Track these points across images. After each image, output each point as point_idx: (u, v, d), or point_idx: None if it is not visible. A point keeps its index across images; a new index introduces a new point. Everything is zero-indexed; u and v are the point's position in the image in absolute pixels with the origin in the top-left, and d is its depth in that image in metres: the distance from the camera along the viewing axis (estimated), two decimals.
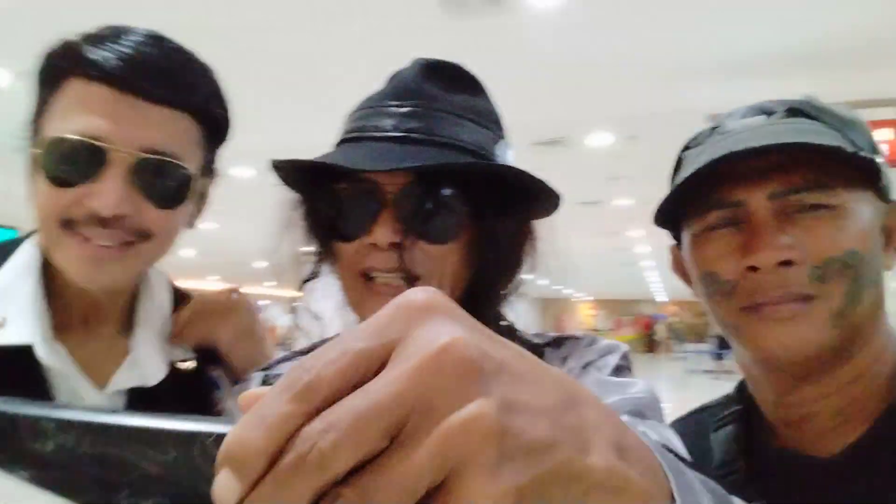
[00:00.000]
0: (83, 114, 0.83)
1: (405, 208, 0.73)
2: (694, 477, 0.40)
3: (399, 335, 0.28)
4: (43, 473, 0.29)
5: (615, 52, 4.29)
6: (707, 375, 17.81)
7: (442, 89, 0.79)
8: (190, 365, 1.03)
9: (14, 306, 0.87)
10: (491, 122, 0.81)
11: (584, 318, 34.65)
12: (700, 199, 0.80)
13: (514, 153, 0.84)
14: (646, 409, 0.68)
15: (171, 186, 0.88)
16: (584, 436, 0.31)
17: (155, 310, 1.02)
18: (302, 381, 0.27)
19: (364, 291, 0.76)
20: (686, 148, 0.91)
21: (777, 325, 0.75)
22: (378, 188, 0.74)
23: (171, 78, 0.86)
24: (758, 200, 0.76)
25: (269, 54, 4.16)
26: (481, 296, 0.79)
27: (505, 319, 0.84)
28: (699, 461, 0.78)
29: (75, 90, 0.84)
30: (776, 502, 0.76)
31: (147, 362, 0.97)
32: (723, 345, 14.65)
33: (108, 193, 0.82)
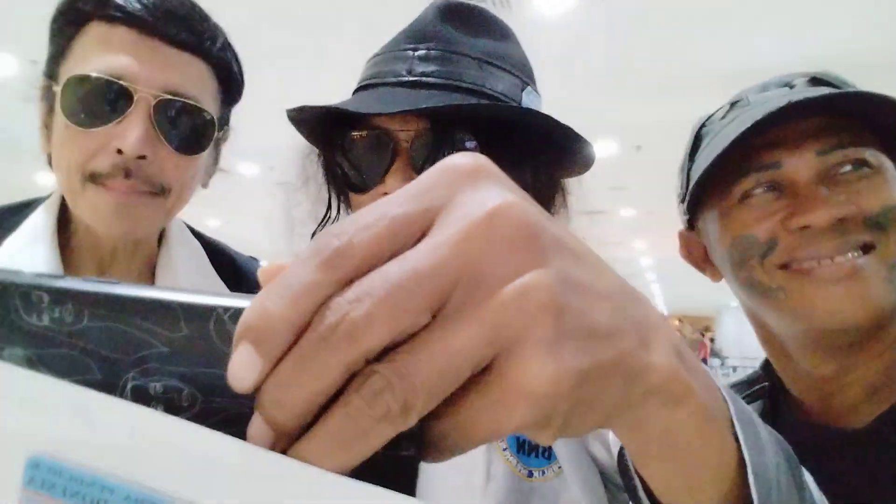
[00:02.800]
0: (106, 54, 0.82)
1: (419, 156, 0.69)
2: (750, 410, 0.38)
3: (443, 201, 0.25)
4: (38, 352, 0.26)
5: (622, 61, 4.29)
6: None
7: (462, 32, 0.74)
8: None
9: (30, 265, 0.86)
10: (517, 68, 0.75)
11: None
12: (733, 168, 0.77)
13: (539, 100, 0.78)
14: None
15: (192, 130, 0.88)
16: (647, 333, 0.28)
17: (178, 268, 1.00)
18: (332, 246, 0.23)
19: None
20: (702, 126, 0.89)
21: (833, 286, 0.71)
22: (391, 135, 0.69)
23: (192, 25, 0.87)
24: (802, 161, 0.74)
25: (275, 50, 4.17)
26: None
27: None
28: None
29: (98, 32, 0.84)
30: None
31: None
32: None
33: (131, 132, 0.81)
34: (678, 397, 0.30)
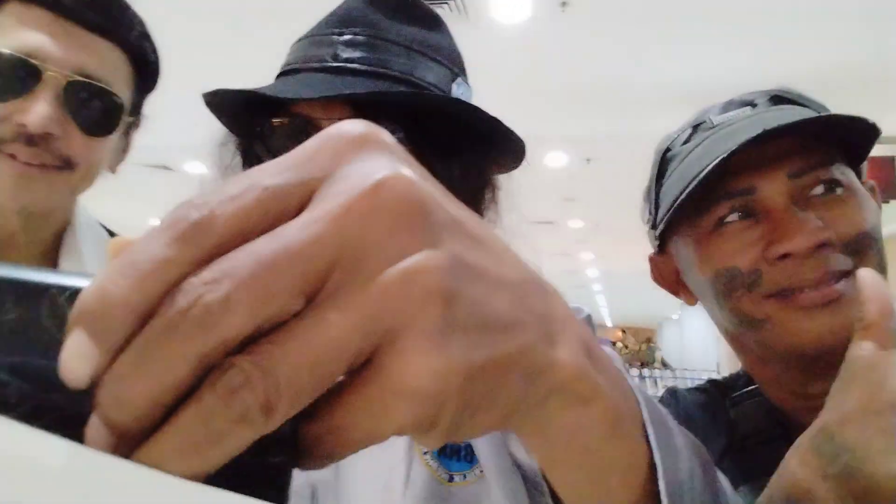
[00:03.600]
0: (19, 32, 0.83)
1: None
2: (665, 411, 0.36)
3: (324, 171, 0.22)
4: None
5: (576, 73, 4.35)
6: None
7: (390, 18, 0.70)
8: None
9: None
10: (448, 59, 0.73)
11: None
12: (702, 195, 0.76)
13: (470, 93, 0.76)
14: None
15: (100, 113, 0.88)
16: (552, 326, 0.26)
17: (83, 250, 0.98)
18: (189, 218, 0.20)
19: None
20: (667, 150, 0.88)
21: (818, 311, 0.71)
22: (312, 123, 0.66)
23: (110, 11, 0.88)
24: (774, 185, 0.73)
25: (226, 48, 4.10)
26: None
27: None
28: (723, 426, 0.75)
29: (13, 12, 0.84)
30: None
31: None
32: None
33: (38, 110, 0.81)
34: (585, 397, 0.28)
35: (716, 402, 0.90)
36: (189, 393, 0.20)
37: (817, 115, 0.75)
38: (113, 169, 0.99)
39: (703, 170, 0.73)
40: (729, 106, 0.83)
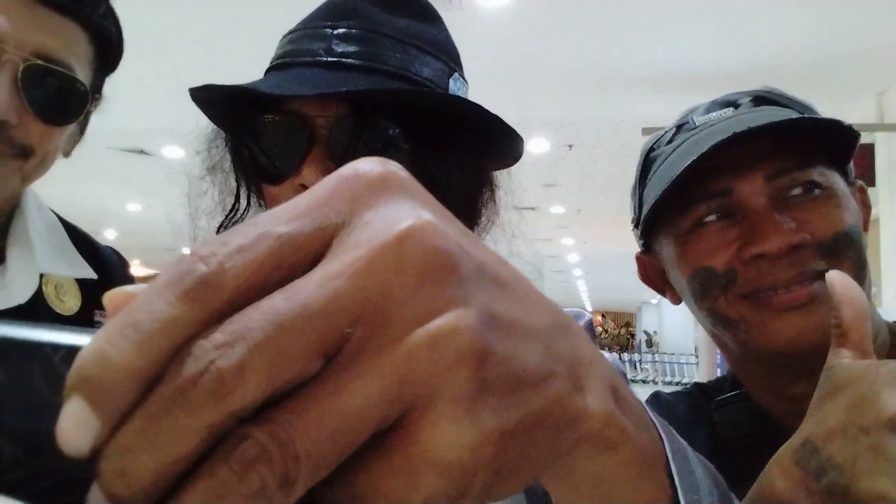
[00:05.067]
0: None
1: (338, 144, 0.63)
2: (685, 444, 0.35)
3: (342, 217, 0.21)
4: None
5: (558, 57, 4.34)
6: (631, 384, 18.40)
7: (384, 10, 0.68)
8: (72, 309, 0.93)
9: None
10: (444, 53, 0.71)
11: None
12: (683, 195, 0.77)
13: (466, 88, 0.74)
14: None
15: (62, 100, 0.82)
16: (580, 371, 0.25)
17: (32, 236, 0.93)
18: (196, 273, 0.18)
19: None
20: (651, 150, 0.88)
21: (791, 313, 0.71)
22: (307, 121, 0.64)
23: None
24: (752, 186, 0.74)
25: (205, 29, 4.04)
26: None
27: None
28: (706, 429, 0.76)
29: None
30: None
31: (15, 279, 0.89)
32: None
33: None
34: (613, 442, 0.27)
35: (699, 406, 0.91)
36: (198, 462, 0.18)
37: (794, 116, 0.75)
38: (67, 153, 0.94)
39: (677, 172, 0.74)
40: (713, 106, 0.83)
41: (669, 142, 0.84)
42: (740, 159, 0.74)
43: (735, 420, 0.86)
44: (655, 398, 0.96)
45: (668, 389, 0.98)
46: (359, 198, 0.21)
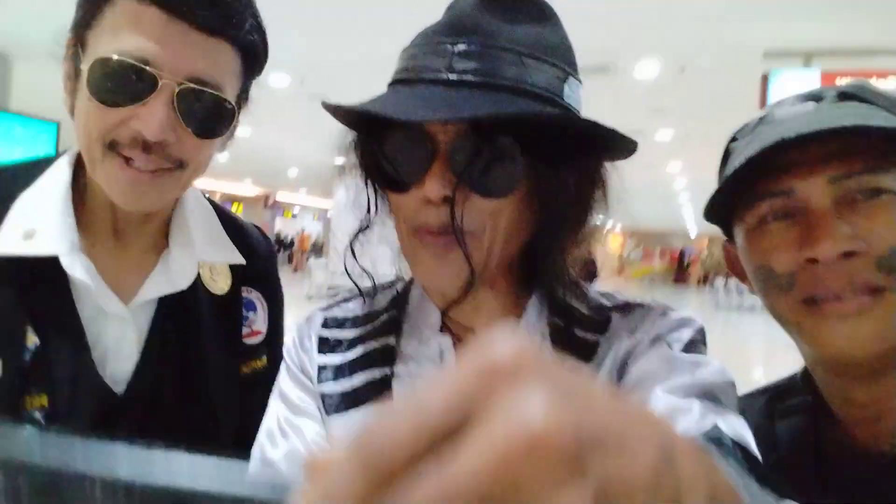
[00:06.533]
0: (134, 35, 0.83)
1: (459, 159, 0.67)
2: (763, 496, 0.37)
3: (479, 405, 0.25)
4: None
5: None
6: (735, 310, 18.15)
7: (503, 21, 0.71)
8: (224, 288, 1.06)
9: (43, 219, 0.91)
10: (559, 57, 0.73)
11: (614, 247, 34.65)
12: (751, 190, 0.76)
13: (580, 89, 0.76)
14: (720, 394, 0.64)
15: (212, 117, 0.90)
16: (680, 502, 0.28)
17: (191, 226, 1.04)
18: (372, 465, 0.24)
19: (418, 247, 0.72)
20: (733, 139, 0.87)
21: (840, 322, 0.71)
22: (430, 136, 0.69)
23: (220, 7, 0.87)
24: (814, 188, 0.72)
25: None
26: (545, 249, 0.74)
27: (571, 273, 0.78)
28: (762, 444, 0.76)
29: (127, 9, 0.84)
30: (848, 502, 0.74)
31: (177, 266, 1.00)
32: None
33: (153, 118, 0.83)
34: None
35: (764, 410, 0.89)
36: None
37: (874, 118, 0.71)
38: (223, 150, 1.03)
39: (735, 168, 0.73)
40: (797, 100, 0.80)
41: (749, 133, 0.83)
42: (806, 159, 0.72)
43: (790, 437, 0.85)
44: None
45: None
46: (493, 385, 0.24)
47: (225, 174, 20.15)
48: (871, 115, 0.73)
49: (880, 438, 0.76)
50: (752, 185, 0.76)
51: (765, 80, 5.38)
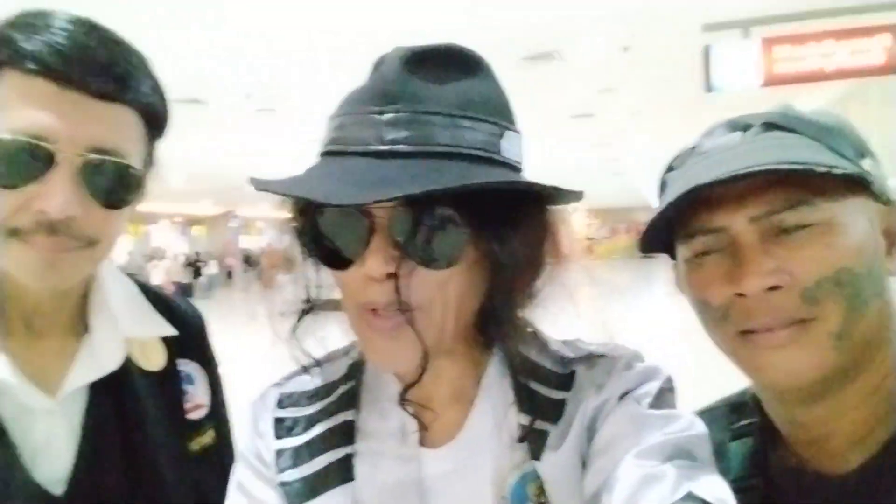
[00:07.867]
0: (25, 109, 0.78)
1: (398, 233, 0.65)
2: None
3: None
4: None
5: None
6: None
7: (431, 81, 0.68)
8: (160, 364, 0.99)
9: None
10: (493, 111, 0.70)
11: (579, 227, 34.83)
12: (685, 223, 0.77)
13: (519, 140, 0.74)
14: (694, 449, 0.64)
15: (119, 187, 0.85)
16: None
17: (111, 302, 0.97)
18: None
19: (364, 326, 0.69)
20: (669, 169, 0.87)
21: (772, 352, 0.72)
22: (367, 212, 0.65)
23: (114, 71, 0.82)
24: (740, 224, 0.73)
25: None
26: (500, 310, 0.71)
27: (531, 326, 0.76)
28: (720, 463, 0.74)
29: (15, 83, 0.79)
30: None
31: (102, 348, 0.93)
32: None
33: (56, 195, 0.78)
34: None
35: (718, 427, 0.88)
36: None
37: (784, 156, 0.72)
38: (131, 218, 0.96)
39: (663, 208, 0.74)
40: (726, 129, 0.81)
41: (682, 165, 0.84)
42: (732, 195, 0.73)
43: (740, 459, 0.85)
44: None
45: None
46: None
47: (182, 196, 19.80)
48: (794, 147, 0.74)
49: (829, 460, 0.77)
50: (687, 217, 0.76)
51: (706, 52, 5.46)
